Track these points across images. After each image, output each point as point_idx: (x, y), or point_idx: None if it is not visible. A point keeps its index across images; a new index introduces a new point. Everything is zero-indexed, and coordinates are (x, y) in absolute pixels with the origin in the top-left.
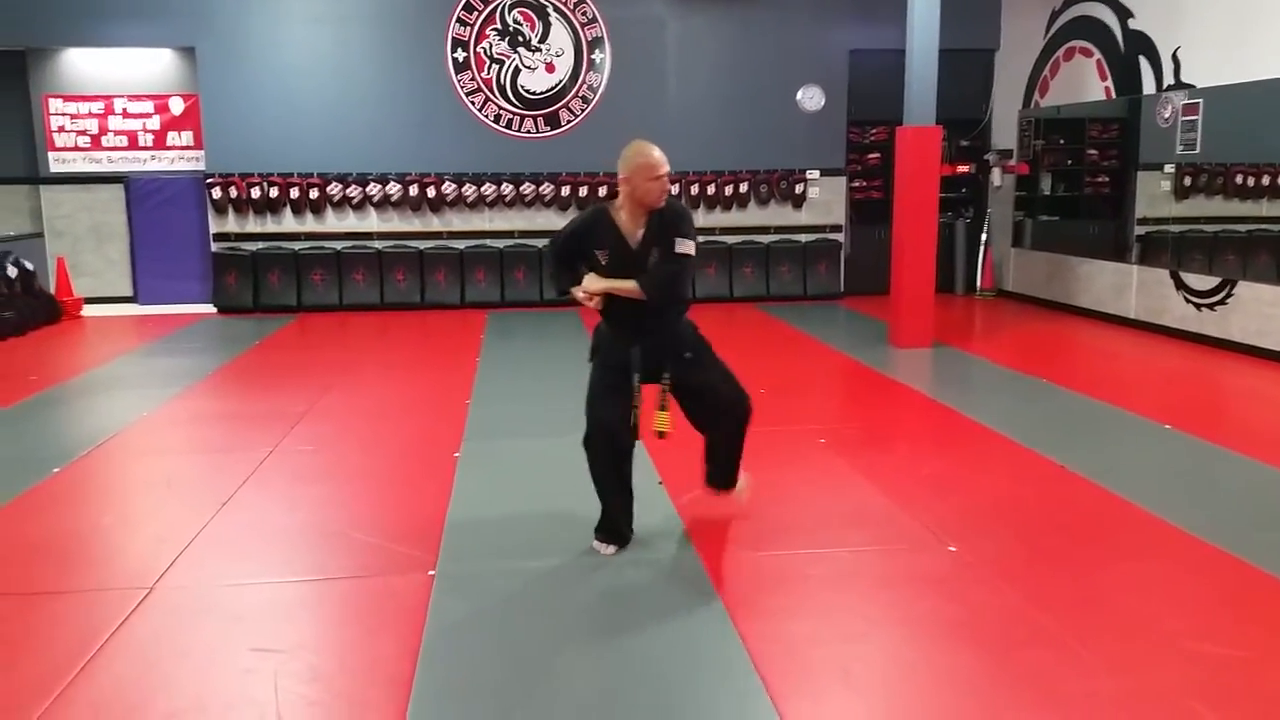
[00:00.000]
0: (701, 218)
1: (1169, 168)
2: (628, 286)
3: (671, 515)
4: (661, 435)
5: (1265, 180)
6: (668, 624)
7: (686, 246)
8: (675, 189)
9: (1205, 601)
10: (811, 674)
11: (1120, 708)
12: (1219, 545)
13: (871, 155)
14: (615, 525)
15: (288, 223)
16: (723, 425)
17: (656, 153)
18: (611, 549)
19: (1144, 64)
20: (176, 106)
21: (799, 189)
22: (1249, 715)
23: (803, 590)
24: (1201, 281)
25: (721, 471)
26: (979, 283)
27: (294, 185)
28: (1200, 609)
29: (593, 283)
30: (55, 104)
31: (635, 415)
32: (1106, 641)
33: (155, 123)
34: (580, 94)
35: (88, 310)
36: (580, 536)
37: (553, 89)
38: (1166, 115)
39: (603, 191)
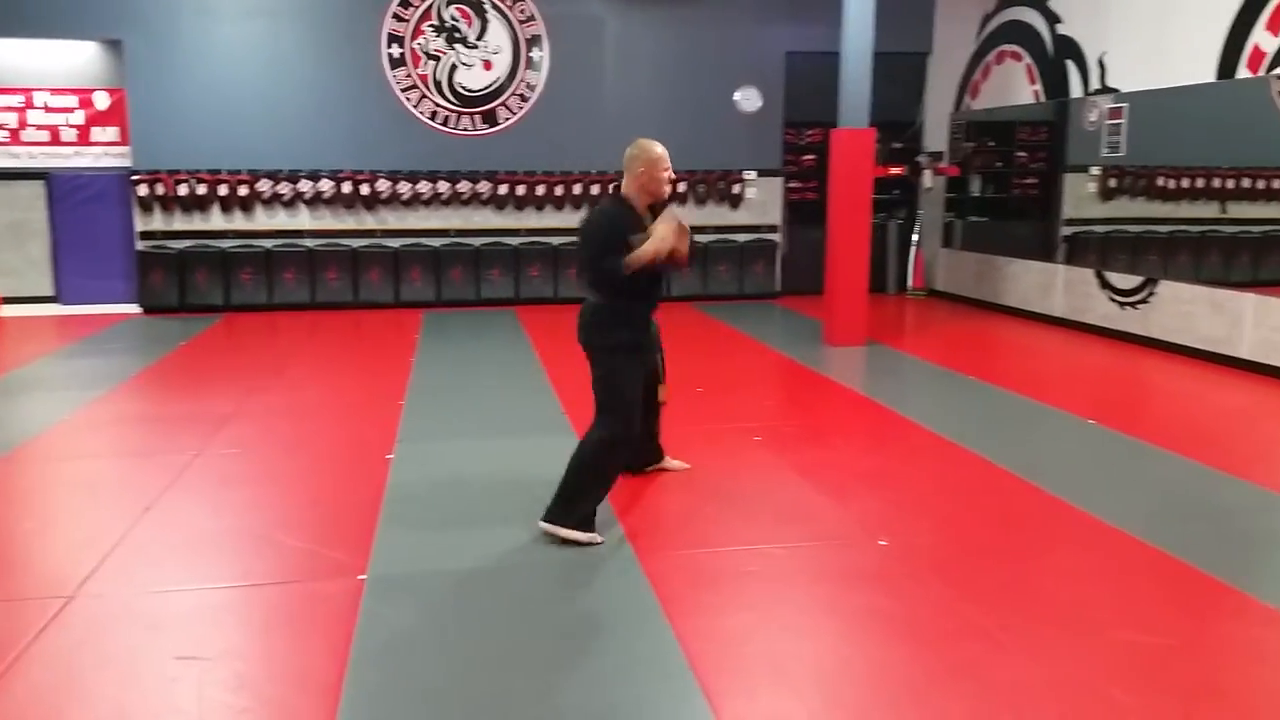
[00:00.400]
0: None
1: (1095, 170)
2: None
3: (608, 514)
4: (662, 404)
5: (1186, 183)
6: (603, 623)
7: None
8: (613, 188)
9: (1128, 591)
10: (747, 670)
11: (1046, 696)
12: (1141, 537)
13: (807, 157)
14: (589, 519)
15: (216, 220)
16: (654, 394)
17: (662, 148)
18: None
19: (1072, 68)
20: (101, 101)
21: (736, 189)
22: (1168, 701)
23: (738, 587)
24: (1125, 281)
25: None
26: (910, 282)
27: (223, 182)
28: (1123, 599)
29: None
30: None
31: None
32: (1034, 632)
33: (79, 117)
34: (518, 92)
35: (7, 310)
36: (514, 538)
37: (490, 87)
38: (1093, 119)
39: (541, 190)
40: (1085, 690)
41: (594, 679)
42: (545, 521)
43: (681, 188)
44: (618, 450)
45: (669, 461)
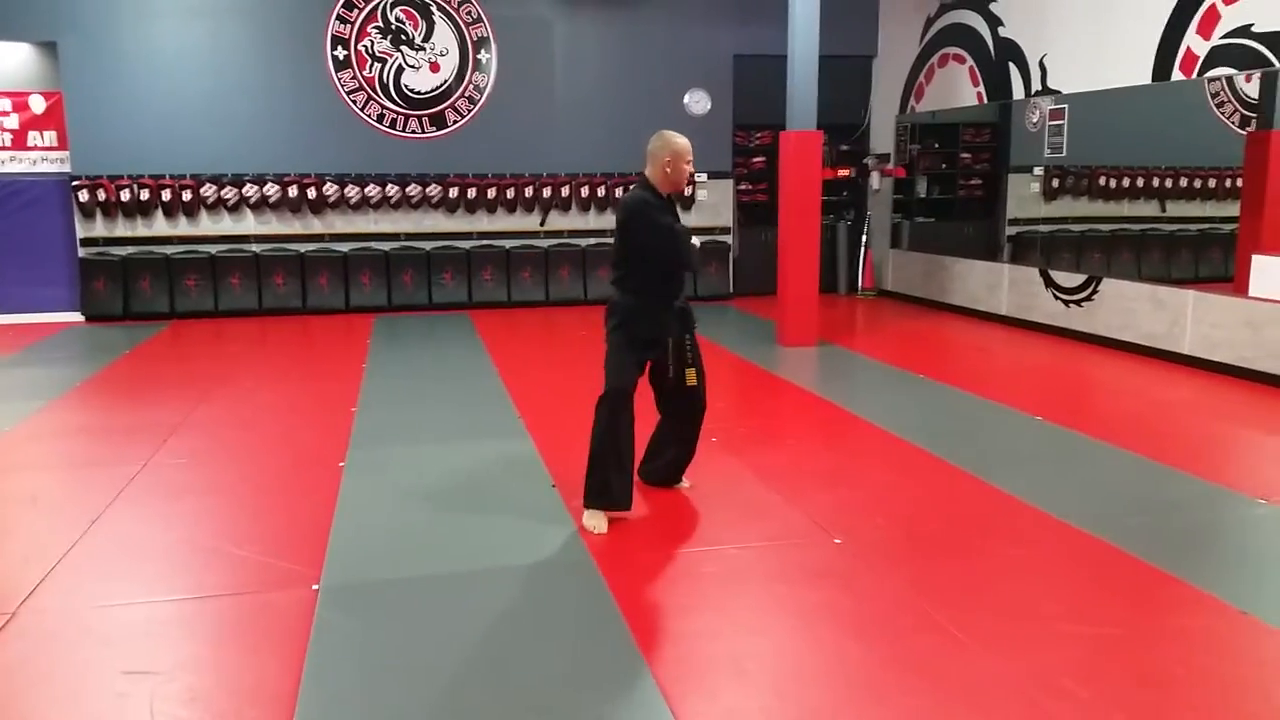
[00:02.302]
0: (592, 219)
1: (1038, 170)
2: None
3: (565, 518)
4: (691, 387)
5: (1126, 182)
6: (560, 627)
7: None
8: (565, 191)
9: (1078, 584)
10: (706, 671)
11: (1000, 688)
12: (1089, 530)
13: (757, 159)
14: (610, 490)
15: (159, 226)
16: (694, 399)
17: (685, 140)
18: (605, 522)
19: (1013, 70)
20: (37, 105)
21: (687, 191)
22: (1119, 690)
23: (695, 588)
24: (1069, 279)
25: (670, 468)
26: (860, 283)
27: (166, 187)
28: (1073, 591)
29: None
30: None
31: (683, 371)
32: (987, 625)
33: (14, 121)
34: (466, 94)
35: None
36: (470, 545)
37: (438, 89)
38: (1035, 120)
39: (492, 193)
40: (1037, 681)
41: (553, 683)
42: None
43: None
44: (604, 409)
45: (682, 483)
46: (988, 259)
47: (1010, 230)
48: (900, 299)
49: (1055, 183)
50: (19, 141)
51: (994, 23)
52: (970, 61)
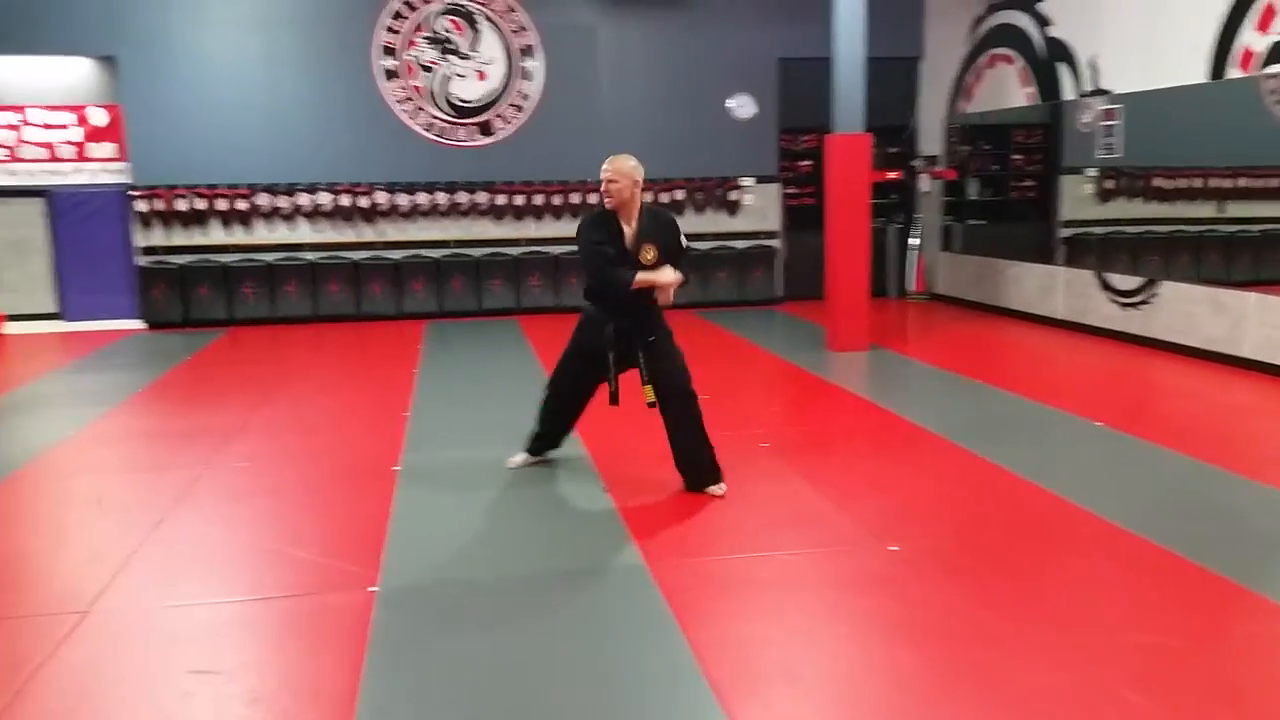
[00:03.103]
0: None
1: (1091, 171)
2: (671, 279)
3: (618, 524)
4: (651, 405)
5: (1183, 183)
6: (614, 631)
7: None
8: None
9: (1139, 593)
10: (759, 676)
11: (1059, 700)
12: (1150, 538)
13: (804, 162)
14: (540, 441)
15: (216, 235)
16: (670, 409)
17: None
18: (521, 458)
19: (1064, 70)
20: (98, 117)
21: (734, 196)
22: (1183, 703)
23: (748, 594)
24: (1125, 282)
25: (694, 471)
26: (911, 286)
27: (222, 196)
28: (1135, 600)
29: (666, 275)
30: None
31: (614, 383)
32: (1045, 636)
33: (76, 134)
34: (513, 102)
35: (10, 328)
36: (527, 549)
37: (485, 97)
38: (1087, 120)
39: (539, 200)
40: (1099, 694)
41: (607, 688)
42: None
43: (679, 195)
44: (548, 392)
45: (712, 488)
46: (1041, 261)
47: (1064, 232)
48: (952, 302)
49: (1109, 184)
50: (81, 154)
51: (1043, 22)
52: (1020, 62)
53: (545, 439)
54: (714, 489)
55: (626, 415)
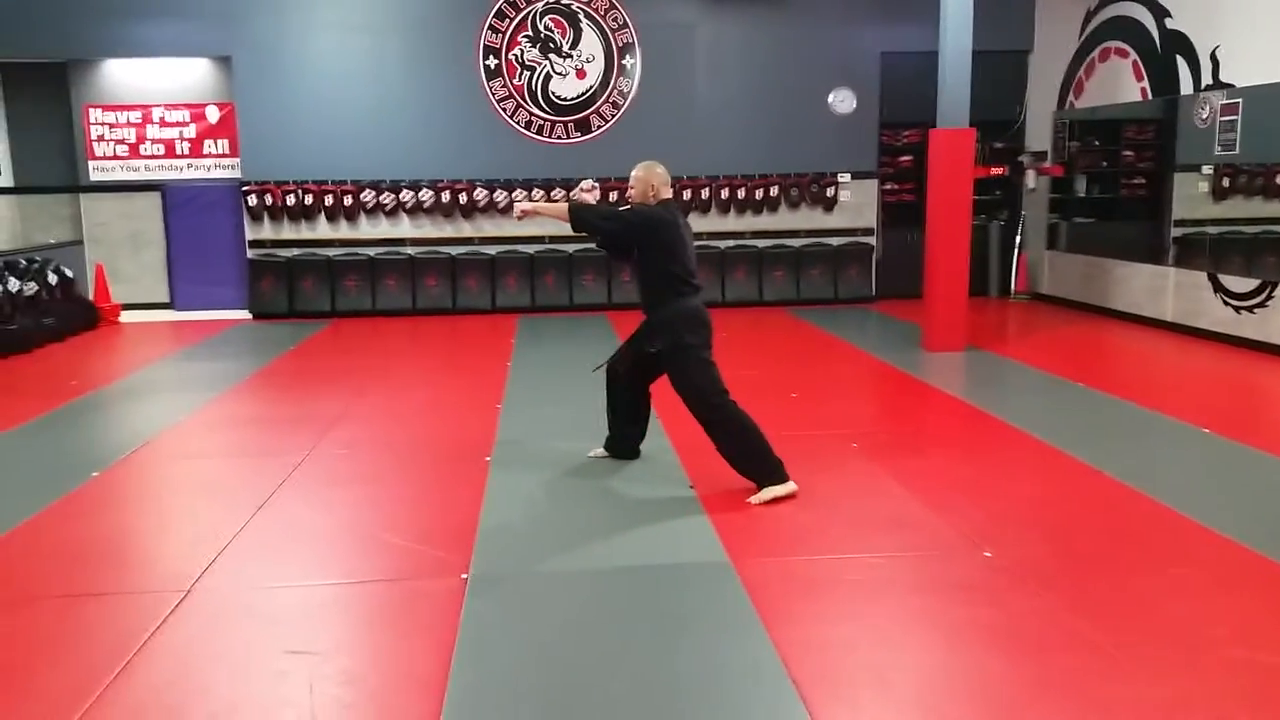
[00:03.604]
0: (732, 221)
1: (1207, 169)
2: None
3: (703, 520)
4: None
5: None
6: (700, 628)
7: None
8: (705, 193)
9: (1245, 607)
10: (847, 680)
11: (1160, 715)
12: (1259, 550)
13: (904, 158)
14: (611, 441)
15: (322, 229)
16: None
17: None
18: (598, 451)
19: (1181, 64)
20: (213, 115)
21: (830, 192)
22: None
23: (836, 596)
24: (1240, 284)
25: (747, 476)
26: (1013, 285)
27: (328, 192)
28: (1240, 615)
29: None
30: (95, 114)
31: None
32: (1146, 648)
33: (191, 131)
34: (611, 99)
35: (125, 316)
36: (613, 542)
37: (583, 95)
38: (1205, 115)
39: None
40: (1203, 710)
41: (691, 684)
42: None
43: (774, 191)
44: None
45: (763, 493)
46: (1151, 262)
47: (1176, 232)
48: (1056, 303)
49: (1226, 182)
50: (196, 150)
51: (1160, 14)
52: (1134, 55)
53: (614, 440)
54: (764, 494)
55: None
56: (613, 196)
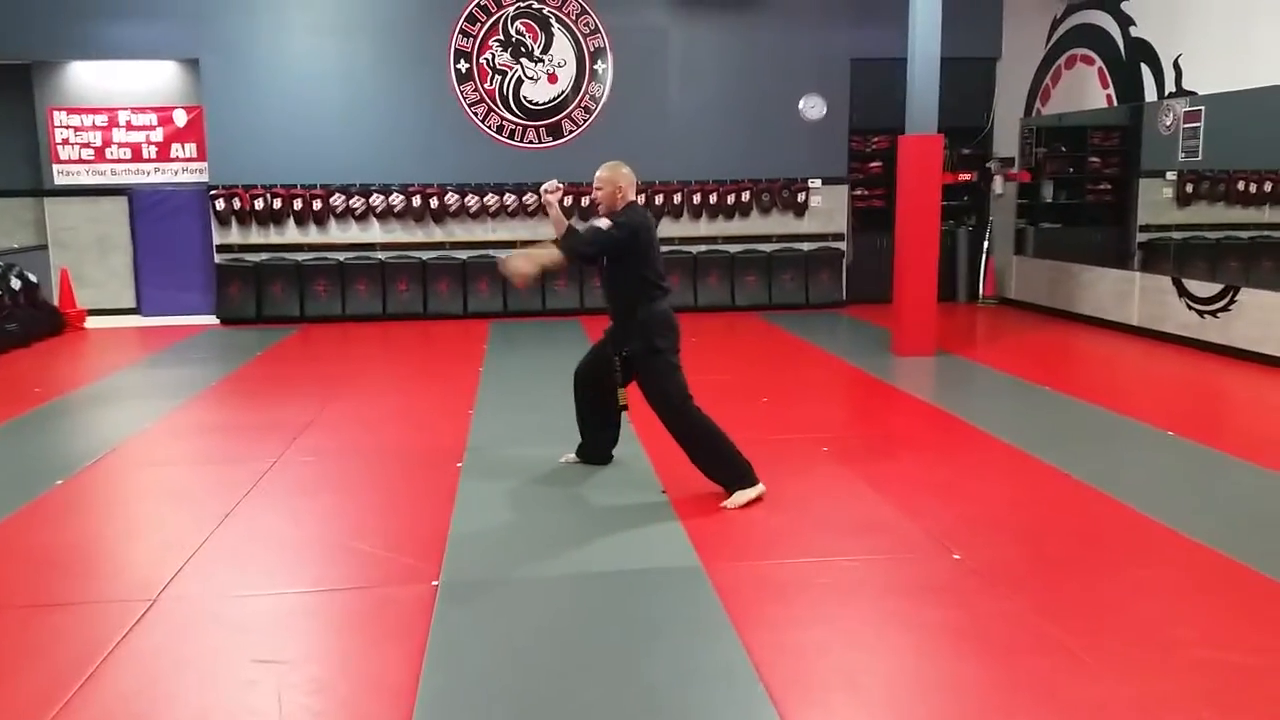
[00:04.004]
0: (704, 226)
1: (1171, 175)
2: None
3: (675, 525)
4: (623, 409)
5: (1268, 187)
6: (672, 633)
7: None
8: (678, 198)
9: (1212, 608)
10: (818, 683)
11: (1129, 716)
12: (1224, 552)
13: (873, 164)
14: (583, 447)
15: (291, 234)
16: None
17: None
18: (570, 457)
19: (1146, 71)
20: (180, 118)
21: (801, 198)
22: None
23: (808, 599)
24: (1204, 288)
25: (711, 474)
26: (981, 290)
27: (297, 196)
28: (1207, 616)
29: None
30: (59, 116)
31: (618, 387)
32: (1113, 649)
33: (159, 135)
34: (582, 104)
35: (91, 322)
36: (585, 548)
37: (555, 99)
38: (1168, 123)
39: None
40: (1171, 710)
41: (663, 689)
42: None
43: (745, 196)
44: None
45: (732, 498)
46: (1117, 267)
47: (1141, 237)
48: (1023, 307)
49: (1190, 188)
50: (163, 153)
51: (1125, 22)
52: (1099, 63)
53: (586, 446)
54: (736, 499)
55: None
56: (584, 201)
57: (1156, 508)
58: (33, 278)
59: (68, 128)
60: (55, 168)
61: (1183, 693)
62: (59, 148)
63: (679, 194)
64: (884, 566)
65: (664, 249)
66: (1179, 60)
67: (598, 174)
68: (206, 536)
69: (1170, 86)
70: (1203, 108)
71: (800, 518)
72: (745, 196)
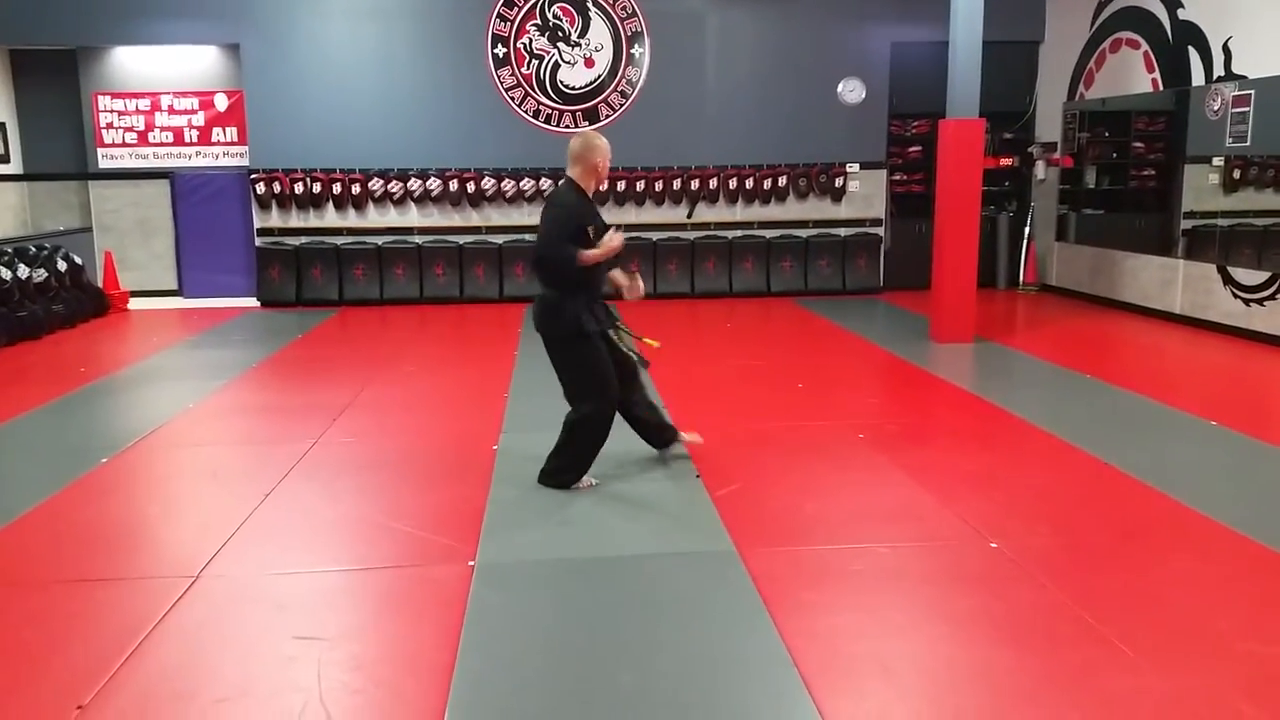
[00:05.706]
0: (740, 211)
1: (1218, 160)
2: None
3: (709, 508)
4: (643, 364)
5: None
6: (706, 617)
7: None
8: (714, 183)
9: (1253, 600)
10: (852, 670)
11: (1167, 707)
12: (1267, 544)
13: (913, 148)
14: (641, 436)
15: (330, 218)
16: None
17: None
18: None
19: (1193, 55)
20: (221, 103)
21: (839, 183)
22: None
23: (843, 586)
24: (1250, 276)
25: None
26: (1022, 277)
27: (336, 181)
28: (1248, 608)
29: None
30: (104, 101)
31: (633, 348)
32: (1152, 640)
33: (200, 119)
34: (619, 89)
35: (134, 303)
36: (619, 531)
37: (592, 84)
38: (1216, 107)
39: (641, 185)
40: (1210, 703)
41: (697, 673)
42: (541, 483)
43: (782, 181)
44: (603, 425)
45: (684, 435)
46: (1161, 254)
47: (1186, 224)
48: (1064, 294)
49: (1237, 173)
50: (204, 138)
51: (1173, 5)
52: (1145, 46)
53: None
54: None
55: (719, 400)
56: (620, 187)
57: (1198, 498)
58: (78, 260)
59: (112, 112)
60: (99, 151)
61: (1222, 686)
62: (103, 132)
63: (715, 179)
64: (920, 554)
65: (701, 234)
66: (1229, 43)
67: (571, 149)
68: (247, 515)
69: (1219, 70)
70: (1252, 92)
71: (836, 504)
72: (782, 181)
